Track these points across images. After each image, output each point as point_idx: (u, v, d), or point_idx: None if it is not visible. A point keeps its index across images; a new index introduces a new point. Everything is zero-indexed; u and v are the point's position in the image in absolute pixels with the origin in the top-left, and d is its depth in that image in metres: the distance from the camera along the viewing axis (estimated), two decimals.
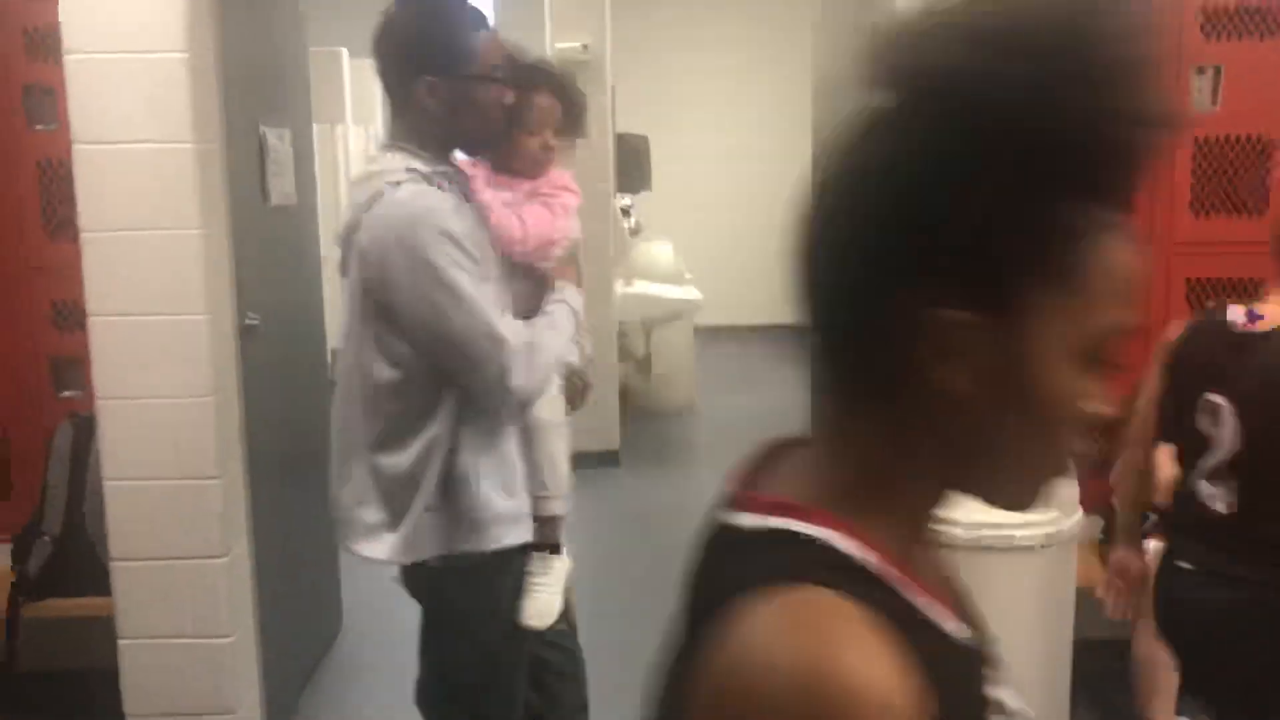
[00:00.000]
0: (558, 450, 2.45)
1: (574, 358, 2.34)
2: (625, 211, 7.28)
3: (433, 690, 2.34)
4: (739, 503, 0.77)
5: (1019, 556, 2.68)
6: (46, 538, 3.34)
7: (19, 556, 3.36)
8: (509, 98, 2.14)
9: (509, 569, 2.22)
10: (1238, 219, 3.48)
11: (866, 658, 0.63)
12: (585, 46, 5.97)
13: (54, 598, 3.31)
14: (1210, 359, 2.29)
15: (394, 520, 2.10)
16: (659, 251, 7.53)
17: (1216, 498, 2.25)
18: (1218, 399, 2.24)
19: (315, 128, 3.97)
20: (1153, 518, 2.61)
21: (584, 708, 2.72)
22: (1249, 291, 3.19)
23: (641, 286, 7.03)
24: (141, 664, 2.98)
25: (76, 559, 3.30)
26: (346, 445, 2.15)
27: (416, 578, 2.22)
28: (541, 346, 2.11)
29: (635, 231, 7.59)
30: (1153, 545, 2.55)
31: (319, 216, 3.99)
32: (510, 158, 2.39)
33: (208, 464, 2.89)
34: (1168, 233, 3.41)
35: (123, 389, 2.86)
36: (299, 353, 3.65)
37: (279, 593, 3.31)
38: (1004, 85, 0.66)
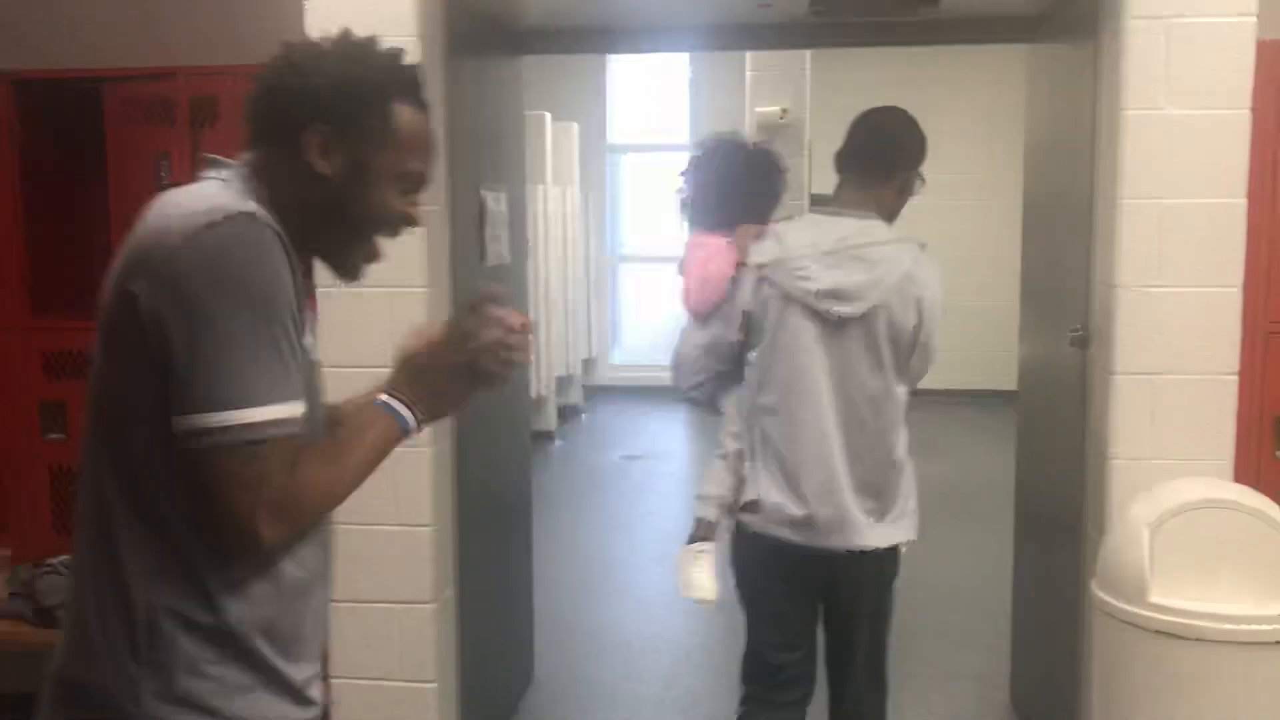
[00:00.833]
0: None
1: None
2: None
3: (870, 674, 2.77)
4: None
5: (1252, 652, 2.51)
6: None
7: None
8: None
9: None
10: None
11: None
12: (784, 111, 6.02)
13: None
14: None
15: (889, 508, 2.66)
16: None
17: None
18: None
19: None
20: None
21: None
22: None
23: None
24: (347, 702, 3.10)
25: None
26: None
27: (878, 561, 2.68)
28: None
29: None
30: None
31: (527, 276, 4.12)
32: None
33: (424, 511, 3.02)
34: (1264, 311, 3.06)
35: None
36: (502, 405, 3.77)
37: (479, 639, 3.39)
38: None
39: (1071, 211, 3.15)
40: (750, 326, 2.66)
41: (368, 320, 2.94)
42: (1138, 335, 2.85)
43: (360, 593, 3.03)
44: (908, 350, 2.61)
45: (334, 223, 1.48)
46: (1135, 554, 2.63)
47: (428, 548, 3.04)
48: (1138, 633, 2.59)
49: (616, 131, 10.37)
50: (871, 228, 2.62)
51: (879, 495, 2.62)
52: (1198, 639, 2.49)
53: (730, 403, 2.75)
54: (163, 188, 1.44)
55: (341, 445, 1.45)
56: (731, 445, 2.71)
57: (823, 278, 2.56)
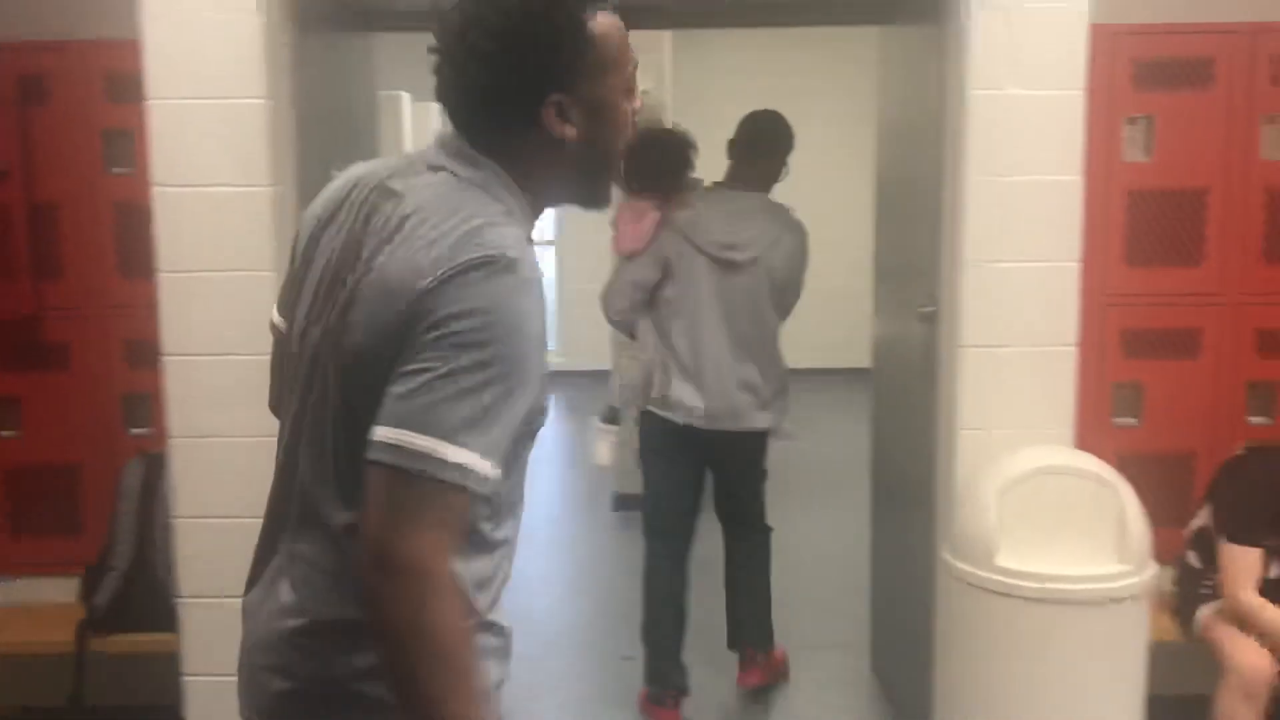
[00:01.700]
0: None
1: None
2: None
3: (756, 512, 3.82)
4: None
5: (1090, 610, 2.63)
6: (115, 572, 3.39)
7: (88, 591, 3.41)
8: None
9: None
10: (1173, 270, 3.46)
11: None
12: (644, 92, 6.03)
13: (121, 632, 3.36)
14: None
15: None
16: None
17: None
18: None
19: None
20: None
21: None
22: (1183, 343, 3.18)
23: None
24: (205, 700, 3.00)
25: (143, 594, 3.35)
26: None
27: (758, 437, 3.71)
28: None
29: None
30: None
31: None
32: None
33: None
34: (1101, 284, 3.37)
35: (196, 427, 2.90)
36: None
37: None
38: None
39: (921, 190, 3.23)
40: (666, 269, 3.54)
41: (216, 305, 2.87)
42: (983, 309, 2.94)
43: (213, 588, 2.93)
44: (780, 287, 3.62)
45: (590, 169, 1.48)
46: (983, 520, 2.72)
47: None
48: (984, 595, 2.68)
49: None
50: (756, 198, 3.66)
51: (757, 391, 3.61)
52: (1039, 599, 2.60)
53: (643, 327, 3.63)
54: None
55: (467, 655, 1.29)
56: (643, 356, 3.62)
57: (721, 234, 3.51)
